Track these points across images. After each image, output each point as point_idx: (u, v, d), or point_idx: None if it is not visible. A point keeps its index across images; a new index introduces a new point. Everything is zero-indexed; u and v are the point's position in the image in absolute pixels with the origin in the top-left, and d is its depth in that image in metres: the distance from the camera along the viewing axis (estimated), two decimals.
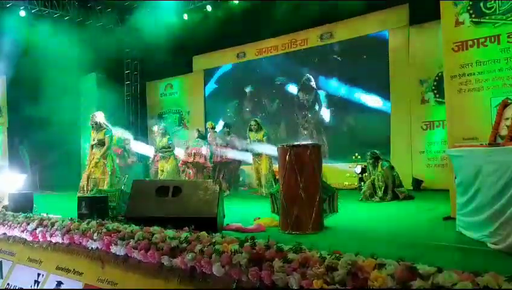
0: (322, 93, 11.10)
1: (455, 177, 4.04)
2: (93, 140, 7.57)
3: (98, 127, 7.54)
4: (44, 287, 3.93)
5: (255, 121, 9.26)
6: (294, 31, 11.19)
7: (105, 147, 7.47)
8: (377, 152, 7.82)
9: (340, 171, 9.78)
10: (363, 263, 2.24)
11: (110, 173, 7.43)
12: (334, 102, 10.90)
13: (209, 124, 10.34)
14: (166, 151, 9.43)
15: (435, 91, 8.99)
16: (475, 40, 4.81)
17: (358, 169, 9.03)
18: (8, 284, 4.30)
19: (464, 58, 4.86)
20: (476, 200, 3.54)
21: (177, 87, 14.07)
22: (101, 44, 12.26)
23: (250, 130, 9.15)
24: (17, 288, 4.20)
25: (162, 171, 9.44)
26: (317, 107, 11.17)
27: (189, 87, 13.78)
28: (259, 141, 8.95)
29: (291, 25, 10.77)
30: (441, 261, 2.52)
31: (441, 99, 8.63)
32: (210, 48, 12.59)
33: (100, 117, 7.62)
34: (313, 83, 11.22)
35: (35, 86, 11.15)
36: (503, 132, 3.75)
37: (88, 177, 7.41)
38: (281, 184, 4.48)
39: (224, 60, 12.82)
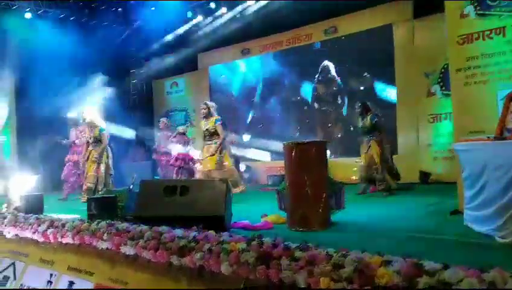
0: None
1: (462, 171, 4.04)
2: (90, 138, 7.53)
3: (90, 124, 7.49)
4: (57, 288, 4.00)
5: (205, 104, 7.36)
6: (298, 26, 11.16)
7: (102, 145, 7.44)
8: (368, 103, 7.54)
9: (346, 166, 9.77)
10: (370, 260, 2.26)
11: (103, 171, 7.40)
12: (338, 97, 10.89)
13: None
14: (213, 139, 7.11)
15: (441, 84, 8.94)
16: (480, 33, 4.77)
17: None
18: (22, 284, 4.37)
19: (469, 51, 4.84)
20: (484, 194, 3.55)
21: (182, 85, 14.10)
22: (107, 43, 12.33)
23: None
24: (30, 288, 4.27)
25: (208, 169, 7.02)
26: (339, 101, 10.98)
27: (194, 84, 13.80)
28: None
29: (295, 20, 10.75)
30: (449, 255, 2.55)
31: (447, 92, 8.58)
32: (214, 45, 12.59)
33: (91, 114, 7.53)
34: (333, 73, 11.03)
35: (43, 86, 11.23)
36: (510, 124, 3.75)
37: (85, 177, 7.42)
38: (287, 181, 4.50)
39: (229, 57, 12.83)
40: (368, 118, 7.29)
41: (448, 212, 4.76)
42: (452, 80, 5.03)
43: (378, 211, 5.64)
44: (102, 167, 7.39)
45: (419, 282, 2.03)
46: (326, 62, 10.99)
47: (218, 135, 7.06)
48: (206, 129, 7.15)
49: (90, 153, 7.48)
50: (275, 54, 11.90)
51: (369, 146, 7.24)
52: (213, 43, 12.27)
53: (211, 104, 7.45)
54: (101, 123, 7.64)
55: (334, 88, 10.97)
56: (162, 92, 14.57)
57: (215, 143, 7.07)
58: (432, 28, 8.80)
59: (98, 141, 7.47)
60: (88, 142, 7.65)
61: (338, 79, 10.88)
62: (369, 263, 2.24)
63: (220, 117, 7.29)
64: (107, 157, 7.53)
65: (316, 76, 11.17)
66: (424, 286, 2.00)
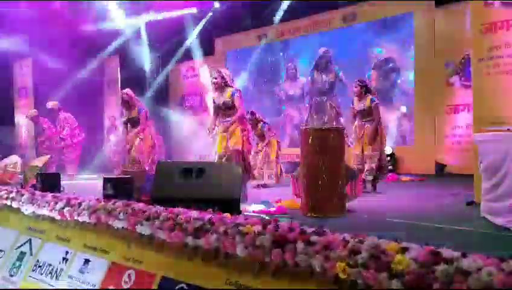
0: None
1: (481, 162, 3.98)
2: (126, 118, 7.27)
3: (127, 104, 7.18)
4: (72, 265, 4.06)
5: (218, 71, 5.79)
6: (317, 13, 11.04)
7: (139, 126, 7.09)
8: (366, 81, 6.61)
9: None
10: (387, 246, 2.25)
11: (148, 151, 7.10)
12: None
13: None
14: (228, 115, 5.58)
15: (461, 74, 8.81)
16: (504, 22, 4.67)
17: (389, 150, 8.74)
18: (38, 260, 4.44)
19: (493, 40, 4.74)
20: (503, 185, 3.50)
21: (198, 69, 14.08)
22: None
23: None
24: (46, 265, 4.34)
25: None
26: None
27: (210, 69, 13.78)
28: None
29: (313, 6, 10.63)
30: (467, 245, 2.52)
31: (466, 83, 8.45)
32: (231, 30, 12.53)
33: (130, 95, 7.22)
34: (330, 60, 10.99)
35: (61, 68, 11.32)
36: None
37: (129, 158, 7.11)
38: (302, 167, 4.49)
39: (246, 42, 12.77)
40: (368, 99, 6.37)
41: (464, 203, 4.72)
42: (474, 70, 4.94)
43: (393, 200, 5.61)
44: (145, 148, 7.10)
45: (436, 270, 2.01)
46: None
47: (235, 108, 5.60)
48: (223, 103, 5.66)
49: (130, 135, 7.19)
50: (293, 40, 11.80)
51: (364, 132, 6.37)
52: (230, 28, 12.20)
53: (226, 72, 5.87)
54: (141, 104, 7.37)
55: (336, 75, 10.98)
56: (178, 76, 14.57)
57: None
58: (453, 18, 8.67)
59: (134, 121, 7.17)
60: (126, 123, 7.34)
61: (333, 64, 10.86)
62: (386, 249, 2.23)
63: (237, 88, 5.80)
64: (151, 135, 7.25)
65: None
66: (442, 273, 1.98)
